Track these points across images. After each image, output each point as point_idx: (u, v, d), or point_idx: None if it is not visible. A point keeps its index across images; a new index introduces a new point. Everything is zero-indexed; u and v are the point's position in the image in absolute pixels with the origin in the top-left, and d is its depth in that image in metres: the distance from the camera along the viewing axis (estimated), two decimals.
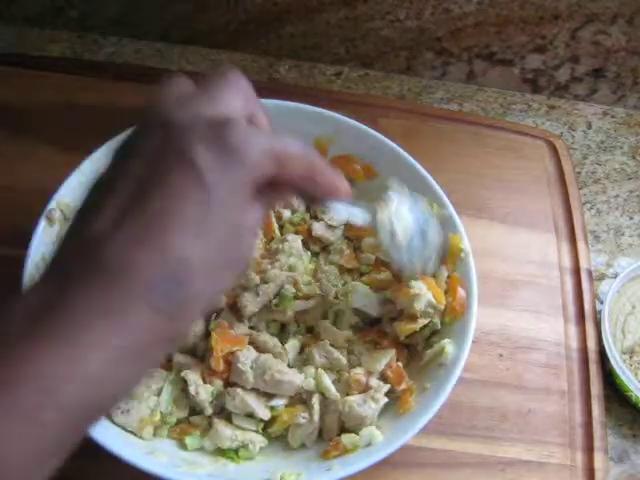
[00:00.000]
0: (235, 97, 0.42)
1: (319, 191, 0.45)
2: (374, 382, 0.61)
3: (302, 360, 0.63)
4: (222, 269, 0.39)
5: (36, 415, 0.34)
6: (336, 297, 0.65)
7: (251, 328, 0.64)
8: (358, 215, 0.52)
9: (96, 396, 0.35)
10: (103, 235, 0.36)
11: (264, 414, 0.60)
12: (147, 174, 0.38)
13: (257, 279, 0.64)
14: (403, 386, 0.61)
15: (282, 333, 0.65)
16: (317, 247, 0.70)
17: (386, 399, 0.60)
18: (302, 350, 0.64)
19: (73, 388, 0.34)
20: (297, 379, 0.60)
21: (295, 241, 0.67)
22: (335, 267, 0.68)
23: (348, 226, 0.71)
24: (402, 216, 0.56)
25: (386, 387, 0.61)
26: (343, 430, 0.60)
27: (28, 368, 0.34)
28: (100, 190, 0.40)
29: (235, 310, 0.63)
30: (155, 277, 0.36)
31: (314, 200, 0.49)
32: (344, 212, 0.50)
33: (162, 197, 0.37)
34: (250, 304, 0.63)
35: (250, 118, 0.43)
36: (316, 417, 0.60)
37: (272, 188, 0.42)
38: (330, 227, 0.70)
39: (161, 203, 0.37)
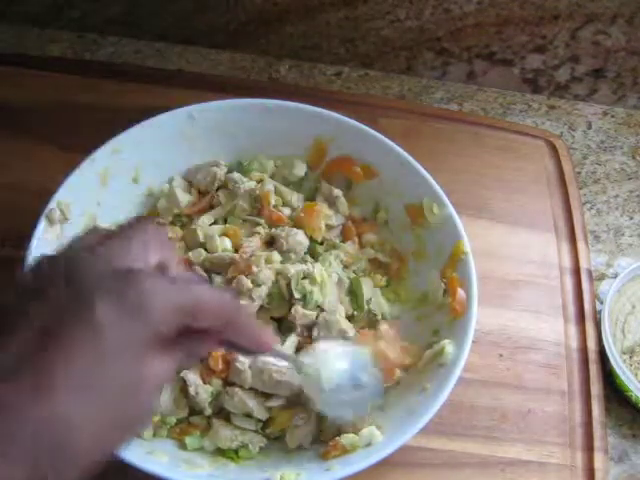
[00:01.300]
0: (144, 247, 0.40)
1: (244, 343, 0.42)
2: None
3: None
4: (112, 428, 0.36)
5: None
6: None
7: None
8: (290, 362, 0.54)
9: None
10: None
11: (262, 414, 0.60)
12: (49, 322, 0.35)
13: (249, 283, 0.64)
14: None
15: (280, 331, 0.65)
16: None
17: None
18: (298, 350, 0.64)
19: None
20: (295, 379, 0.60)
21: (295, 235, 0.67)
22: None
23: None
24: (330, 366, 0.55)
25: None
26: (340, 431, 0.60)
27: None
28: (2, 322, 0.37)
29: (242, 294, 0.63)
30: (31, 433, 0.33)
31: (241, 352, 0.47)
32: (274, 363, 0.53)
33: (57, 348, 0.35)
34: (257, 293, 0.63)
35: (162, 268, 0.41)
36: (313, 418, 0.60)
37: (196, 336, 0.40)
38: None
39: (54, 355, 0.34)
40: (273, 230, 0.69)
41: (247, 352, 0.45)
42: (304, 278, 0.65)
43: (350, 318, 0.67)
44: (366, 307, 0.67)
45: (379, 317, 0.68)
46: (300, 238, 0.67)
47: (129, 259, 0.39)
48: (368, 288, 0.68)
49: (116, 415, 0.37)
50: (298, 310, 0.64)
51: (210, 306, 0.39)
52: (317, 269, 0.65)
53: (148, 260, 0.40)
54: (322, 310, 0.64)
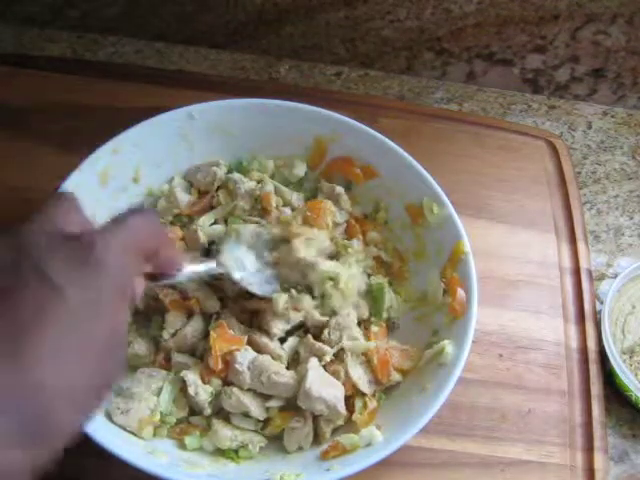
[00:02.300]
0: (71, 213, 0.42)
1: (164, 266, 0.47)
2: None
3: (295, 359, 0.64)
4: (90, 388, 0.37)
5: None
6: None
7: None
8: (205, 268, 0.59)
9: None
10: None
11: (260, 414, 0.60)
12: (6, 290, 0.35)
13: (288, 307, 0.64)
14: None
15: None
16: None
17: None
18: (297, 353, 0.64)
19: None
20: (293, 381, 0.60)
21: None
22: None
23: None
24: (241, 251, 0.64)
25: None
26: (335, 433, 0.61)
27: None
28: None
29: (263, 330, 0.63)
30: (7, 403, 0.32)
31: (160, 278, 0.49)
32: (193, 272, 0.57)
33: (18, 315, 0.34)
34: (279, 331, 0.63)
35: (83, 226, 0.42)
36: (309, 420, 0.60)
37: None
38: None
39: (18, 322, 0.34)
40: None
41: (165, 276, 0.48)
42: (330, 279, 0.65)
43: (364, 321, 0.67)
44: (385, 315, 0.67)
45: (397, 323, 0.68)
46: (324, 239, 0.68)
47: (77, 225, 0.40)
48: (389, 294, 0.68)
49: (93, 374, 0.37)
50: (314, 315, 0.64)
51: (147, 232, 0.43)
52: (345, 273, 0.65)
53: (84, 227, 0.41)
54: (335, 314, 0.65)
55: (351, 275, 0.66)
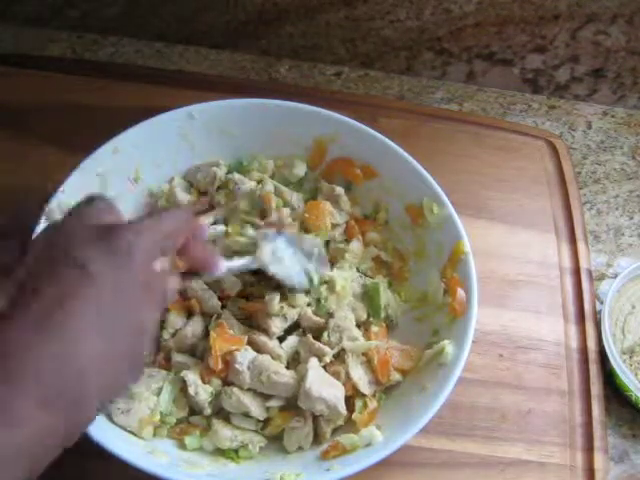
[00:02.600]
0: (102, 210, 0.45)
1: (197, 262, 0.50)
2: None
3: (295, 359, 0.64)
4: (117, 371, 0.40)
5: None
6: None
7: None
8: (245, 264, 0.61)
9: None
10: None
11: (260, 414, 0.60)
12: (36, 270, 0.39)
13: (283, 306, 0.64)
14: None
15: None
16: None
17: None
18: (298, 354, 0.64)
19: None
20: (293, 381, 0.60)
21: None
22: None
23: None
24: (278, 247, 0.65)
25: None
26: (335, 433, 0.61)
27: None
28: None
29: (262, 330, 0.63)
30: (45, 372, 0.36)
31: (195, 276, 0.53)
32: (234, 269, 0.60)
33: (53, 294, 0.38)
34: (278, 329, 0.63)
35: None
36: (309, 420, 0.60)
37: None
38: None
39: (52, 300, 0.37)
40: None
41: (200, 273, 0.51)
42: (324, 283, 0.65)
43: (364, 323, 0.67)
44: (383, 314, 0.67)
45: (395, 322, 0.68)
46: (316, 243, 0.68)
47: (111, 218, 0.44)
48: (385, 293, 0.68)
49: (121, 355, 0.40)
50: (307, 313, 0.64)
51: (179, 228, 0.46)
52: (340, 277, 0.66)
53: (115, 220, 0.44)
54: (332, 316, 0.65)
55: (345, 278, 0.66)
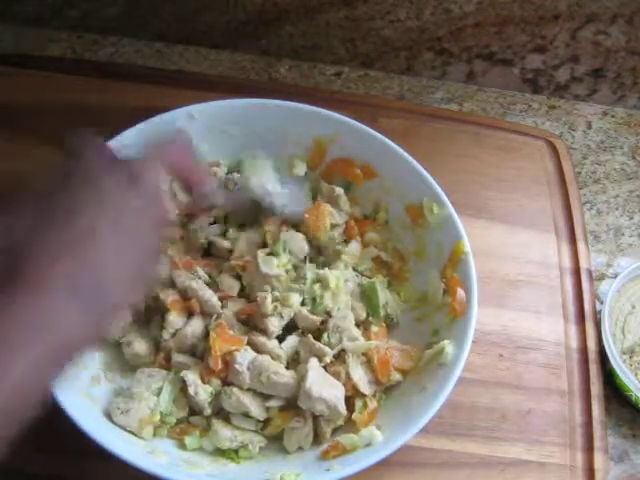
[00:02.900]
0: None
1: (192, 178, 0.58)
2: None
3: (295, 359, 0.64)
4: (133, 281, 0.46)
5: None
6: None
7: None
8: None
9: (14, 403, 0.37)
10: (22, 247, 0.41)
11: (260, 414, 0.60)
12: (63, 199, 0.45)
13: (277, 305, 0.64)
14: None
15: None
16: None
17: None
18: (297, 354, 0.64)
19: None
20: (293, 381, 0.60)
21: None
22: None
23: None
24: (265, 176, 0.70)
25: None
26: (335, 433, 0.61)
27: None
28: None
29: (261, 330, 0.63)
30: (77, 285, 0.41)
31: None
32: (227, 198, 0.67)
33: (79, 219, 0.44)
34: (275, 328, 0.63)
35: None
36: (309, 420, 0.60)
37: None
38: None
39: (79, 224, 0.43)
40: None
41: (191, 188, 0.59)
42: (317, 282, 0.65)
43: (363, 322, 0.67)
44: (382, 312, 0.67)
45: (396, 321, 0.68)
46: (301, 243, 0.68)
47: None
48: (383, 292, 0.68)
49: (135, 269, 0.46)
50: (302, 312, 0.64)
51: (179, 154, 0.56)
52: (333, 275, 0.65)
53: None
54: (330, 316, 0.65)
55: (338, 276, 0.66)
